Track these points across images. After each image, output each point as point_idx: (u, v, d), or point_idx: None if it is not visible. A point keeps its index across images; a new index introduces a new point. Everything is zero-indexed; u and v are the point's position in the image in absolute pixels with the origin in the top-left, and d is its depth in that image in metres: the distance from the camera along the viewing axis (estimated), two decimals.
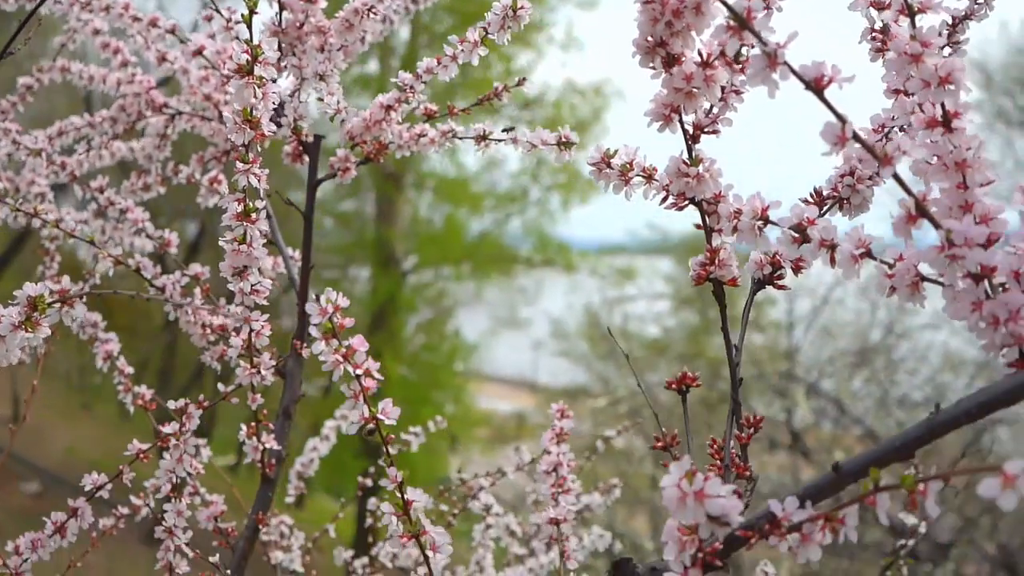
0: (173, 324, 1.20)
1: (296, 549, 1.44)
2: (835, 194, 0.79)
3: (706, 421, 6.49)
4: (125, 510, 1.23)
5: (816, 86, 0.58)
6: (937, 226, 0.58)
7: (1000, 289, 0.60)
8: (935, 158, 0.63)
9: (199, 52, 1.13)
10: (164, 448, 1.04)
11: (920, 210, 0.59)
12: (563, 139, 0.97)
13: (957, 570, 5.54)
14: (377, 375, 0.72)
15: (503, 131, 1.05)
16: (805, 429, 6.82)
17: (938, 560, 5.40)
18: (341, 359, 0.71)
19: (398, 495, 0.74)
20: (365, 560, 1.46)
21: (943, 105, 0.62)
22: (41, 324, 0.75)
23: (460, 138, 1.10)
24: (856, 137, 0.58)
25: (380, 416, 0.73)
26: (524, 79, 1.15)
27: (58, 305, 0.75)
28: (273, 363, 1.01)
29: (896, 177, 0.59)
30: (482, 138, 1.07)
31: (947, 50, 0.84)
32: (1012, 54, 9.51)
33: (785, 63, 0.57)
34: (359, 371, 0.71)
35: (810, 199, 0.80)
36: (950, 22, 0.85)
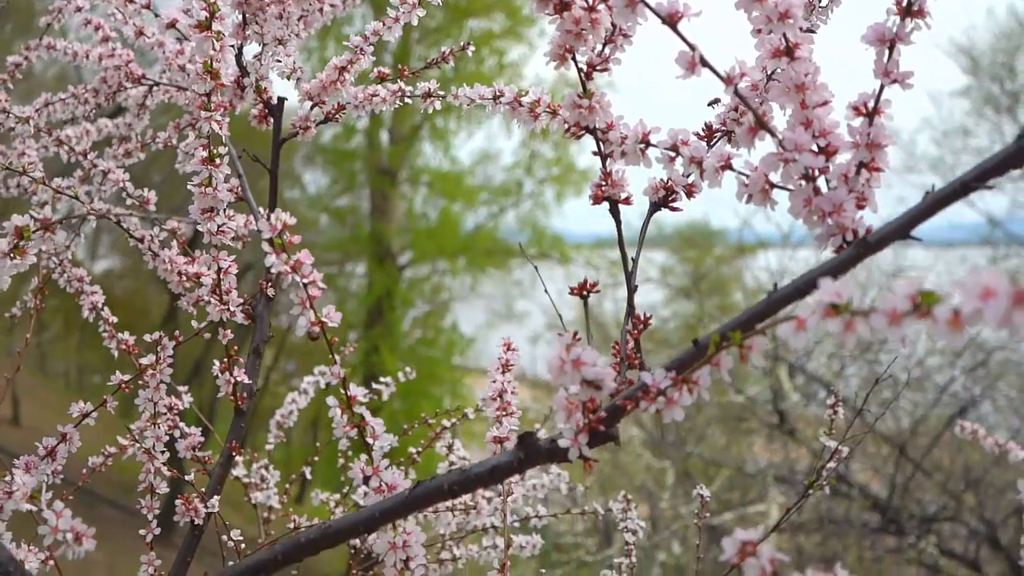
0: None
1: (272, 486, 1.56)
2: (723, 127, 0.90)
3: (695, 402, 6.59)
4: (112, 449, 1.34)
5: (671, 20, 0.69)
6: (773, 135, 0.70)
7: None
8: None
9: (172, 25, 1.23)
10: (144, 385, 1.16)
11: (759, 123, 0.70)
12: (498, 93, 1.07)
13: (941, 544, 5.66)
14: (321, 285, 0.83)
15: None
16: (796, 412, 6.94)
17: (921, 534, 5.52)
18: (290, 269, 0.82)
19: (342, 391, 0.85)
20: (337, 496, 1.58)
21: (785, 37, 0.73)
22: (27, 252, 0.86)
23: (410, 96, 1.21)
24: (703, 62, 0.69)
25: (325, 319, 0.84)
26: (468, 44, 1.26)
27: (41, 232, 0.86)
28: (241, 300, 1.13)
29: (738, 94, 0.70)
30: (428, 95, 1.19)
31: (824, 1, 0.95)
32: (999, 40, 9.61)
33: (642, 1, 0.68)
34: (306, 280, 0.82)
35: (701, 132, 0.91)
36: None
